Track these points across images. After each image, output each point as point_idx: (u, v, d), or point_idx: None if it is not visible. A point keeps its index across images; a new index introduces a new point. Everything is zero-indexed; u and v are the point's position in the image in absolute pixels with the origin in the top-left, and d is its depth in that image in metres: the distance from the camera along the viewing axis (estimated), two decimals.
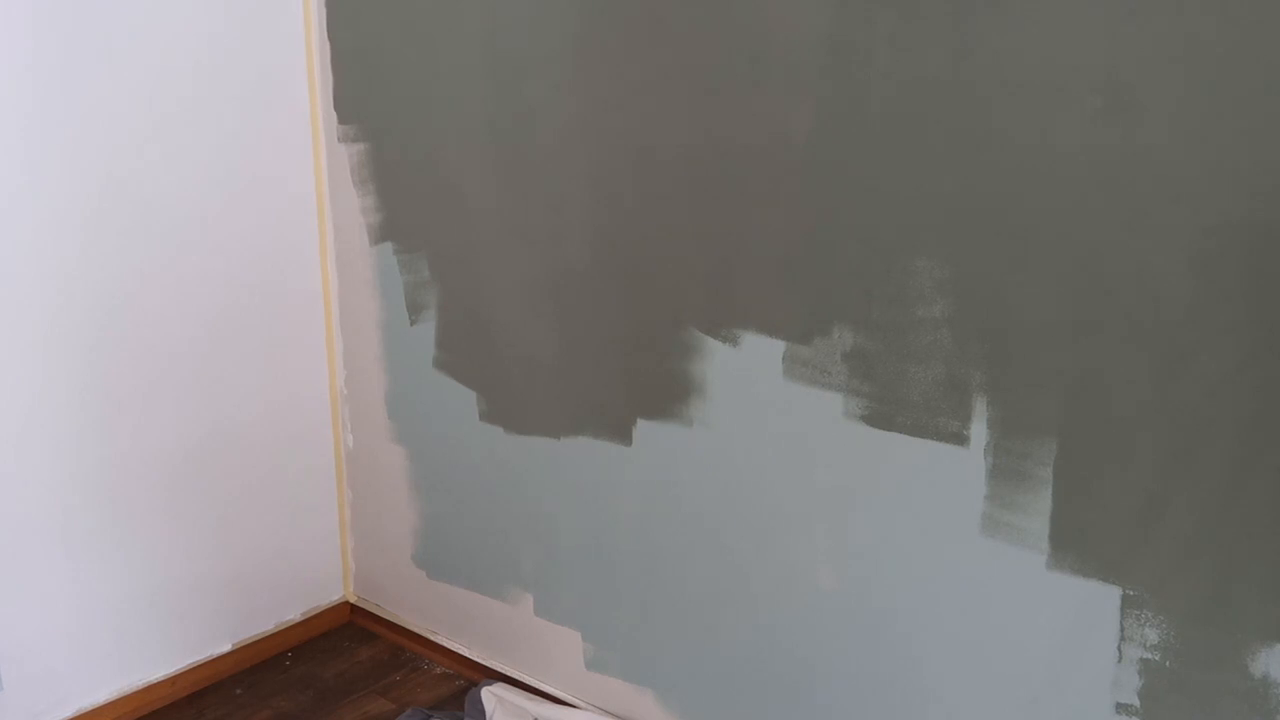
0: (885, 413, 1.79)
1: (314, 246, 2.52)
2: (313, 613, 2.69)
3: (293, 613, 2.65)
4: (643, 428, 2.09)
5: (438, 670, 2.57)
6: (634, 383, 2.08)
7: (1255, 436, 1.47)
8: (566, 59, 2.02)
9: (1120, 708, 1.65)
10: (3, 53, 1.98)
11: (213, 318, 2.36)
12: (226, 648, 2.53)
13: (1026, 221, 1.60)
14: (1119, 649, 1.64)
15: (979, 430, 1.70)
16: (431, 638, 2.60)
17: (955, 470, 1.74)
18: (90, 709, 2.31)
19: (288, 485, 2.58)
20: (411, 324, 2.42)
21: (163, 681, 2.42)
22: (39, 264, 2.09)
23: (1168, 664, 1.60)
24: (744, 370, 1.93)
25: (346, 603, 2.75)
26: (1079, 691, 1.69)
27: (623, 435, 2.12)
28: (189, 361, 2.34)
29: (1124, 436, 1.57)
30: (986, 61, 1.58)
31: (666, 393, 2.04)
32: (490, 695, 2.34)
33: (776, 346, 1.88)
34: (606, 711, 2.29)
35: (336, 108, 2.42)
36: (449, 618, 2.56)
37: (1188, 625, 1.58)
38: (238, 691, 2.48)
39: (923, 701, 1.87)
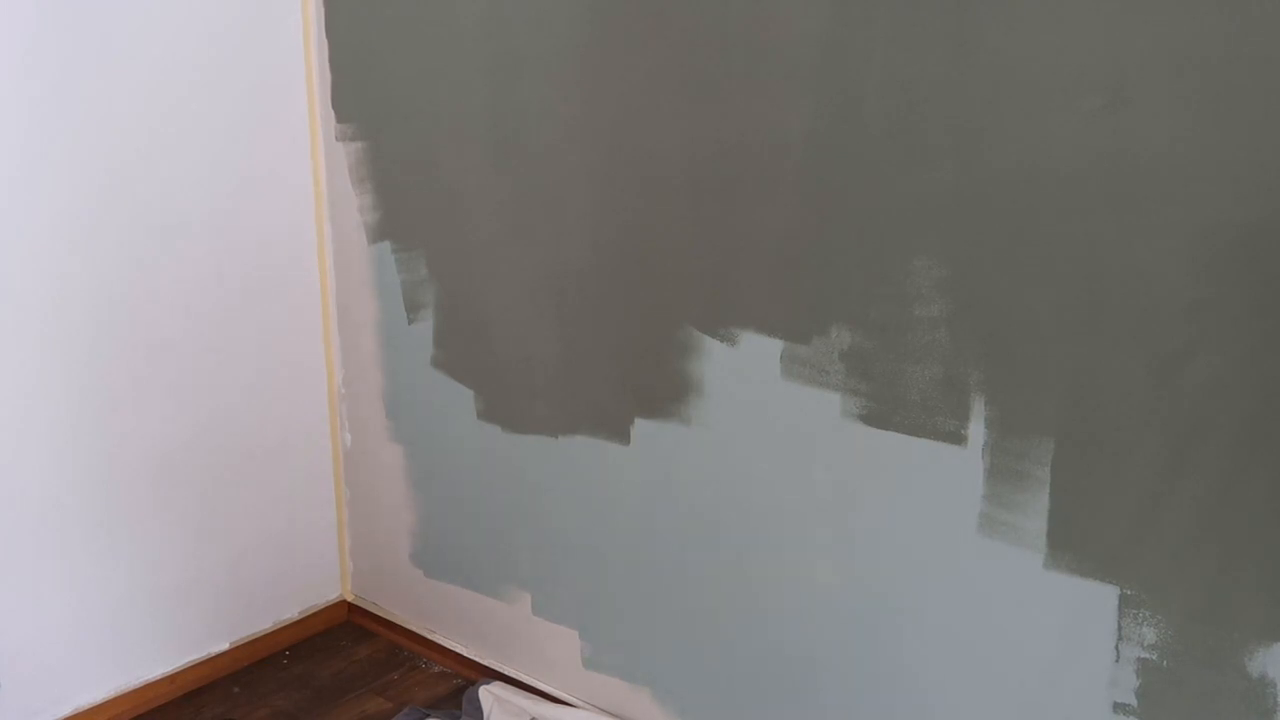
0: (883, 412, 1.79)
1: (312, 245, 2.52)
2: (310, 611, 2.69)
3: (290, 611, 2.65)
4: (641, 427, 2.09)
5: (435, 669, 2.57)
6: (632, 382, 2.08)
7: (1253, 436, 1.48)
8: (566, 59, 2.02)
9: (1118, 707, 1.65)
10: (4, 53, 1.98)
11: (210, 316, 2.36)
12: (224, 646, 2.52)
13: (1025, 221, 1.60)
14: (1116, 648, 1.64)
15: (977, 430, 1.70)
16: (429, 637, 2.60)
17: (953, 469, 1.74)
18: (88, 707, 2.31)
19: (286, 484, 2.58)
20: (410, 323, 2.42)
21: (160, 680, 2.42)
22: (37, 264, 2.09)
23: (1165, 663, 1.60)
24: (742, 369, 1.93)
25: (344, 601, 2.75)
26: (1076, 691, 1.69)
27: (621, 434, 2.12)
28: (187, 359, 2.34)
29: (1122, 436, 1.58)
30: (986, 61, 1.58)
31: (664, 392, 2.04)
32: (488, 694, 2.34)
33: (774, 346, 1.88)
34: (604, 710, 2.29)
35: (335, 106, 2.42)
36: (447, 617, 2.56)
37: (1185, 625, 1.58)
38: (235, 690, 2.48)
39: (920, 700, 1.87)
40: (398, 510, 2.58)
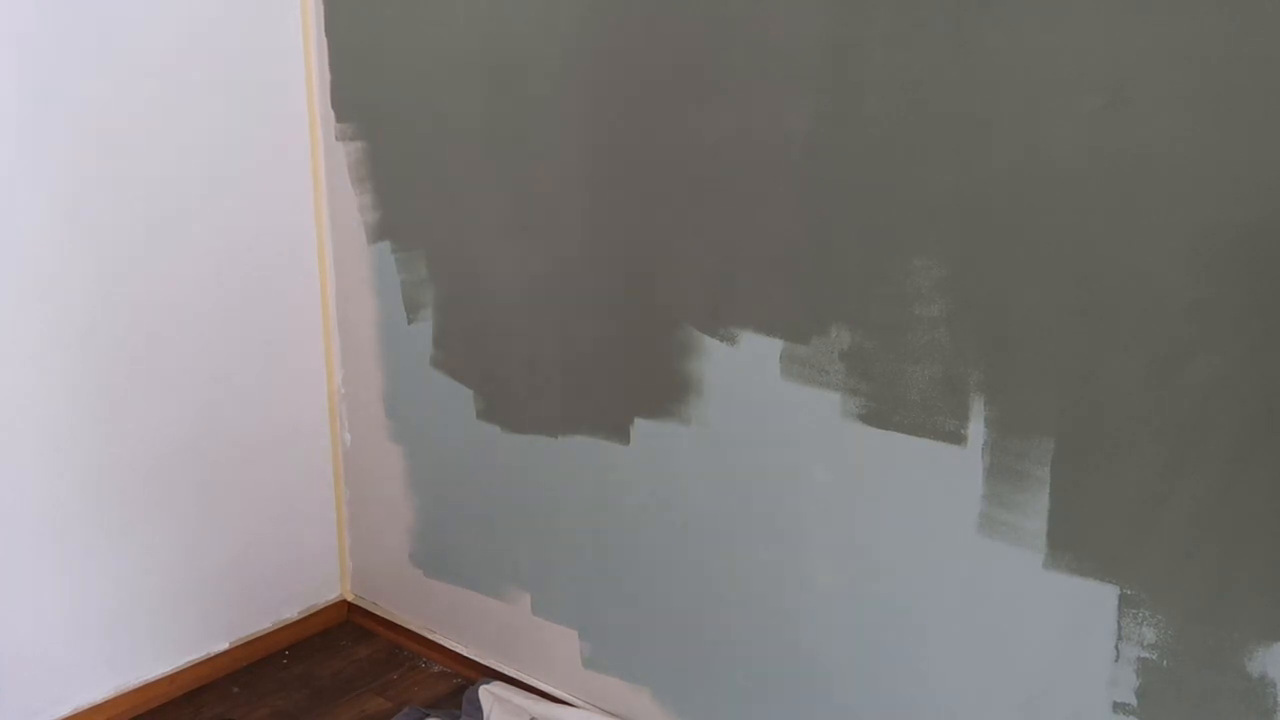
0: (883, 412, 1.79)
1: (311, 245, 2.52)
2: (310, 611, 2.69)
3: (290, 611, 2.65)
4: (640, 426, 2.09)
5: (435, 669, 2.57)
6: (632, 381, 2.08)
7: (1253, 436, 1.48)
8: (566, 58, 2.02)
9: (1117, 707, 1.65)
10: (3, 52, 1.98)
11: (210, 316, 2.36)
12: (224, 646, 2.52)
13: (1025, 220, 1.60)
14: (1116, 648, 1.64)
15: (976, 429, 1.70)
16: (429, 636, 2.60)
17: (953, 469, 1.74)
18: (87, 707, 2.31)
19: (285, 484, 2.58)
20: (409, 323, 2.42)
21: (160, 680, 2.42)
22: (36, 263, 2.09)
23: (1165, 663, 1.60)
24: (742, 369, 1.93)
25: (344, 601, 2.75)
26: (1076, 691, 1.69)
27: (620, 434, 2.12)
28: (186, 359, 2.34)
29: (1122, 436, 1.58)
30: (986, 61, 1.58)
31: (664, 392, 2.04)
32: (488, 694, 2.35)
33: (774, 345, 1.88)
34: (604, 710, 2.29)
35: (334, 106, 2.42)
36: (446, 616, 2.56)
37: (1185, 624, 1.58)
38: (235, 690, 2.48)
39: (919, 700, 1.87)
40: (397, 510, 2.58)
